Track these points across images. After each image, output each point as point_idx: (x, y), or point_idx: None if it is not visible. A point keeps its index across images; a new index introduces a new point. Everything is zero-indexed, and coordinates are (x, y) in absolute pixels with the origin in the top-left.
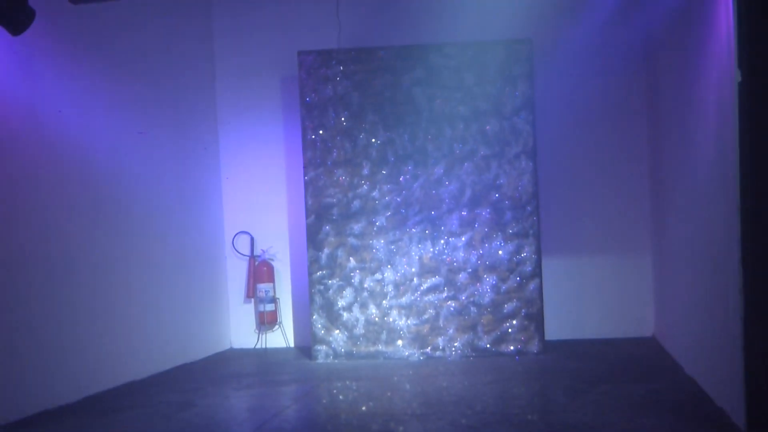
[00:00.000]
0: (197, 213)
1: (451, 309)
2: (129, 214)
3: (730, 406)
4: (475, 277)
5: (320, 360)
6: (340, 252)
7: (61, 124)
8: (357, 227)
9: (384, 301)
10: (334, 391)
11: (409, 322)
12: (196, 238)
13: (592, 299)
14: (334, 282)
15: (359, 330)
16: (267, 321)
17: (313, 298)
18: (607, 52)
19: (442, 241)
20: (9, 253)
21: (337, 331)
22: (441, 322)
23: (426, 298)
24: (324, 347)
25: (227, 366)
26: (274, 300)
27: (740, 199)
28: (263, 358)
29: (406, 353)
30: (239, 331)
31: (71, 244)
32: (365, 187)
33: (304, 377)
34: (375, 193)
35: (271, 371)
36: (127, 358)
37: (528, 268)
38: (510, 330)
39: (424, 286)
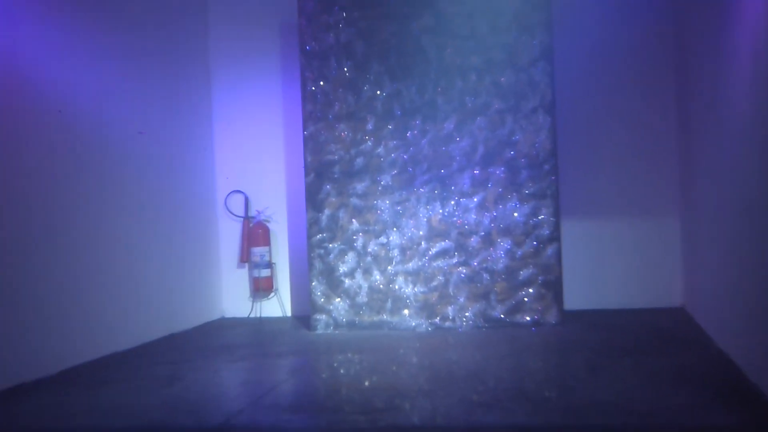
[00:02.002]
0: (187, 170)
1: (462, 276)
2: (113, 172)
3: (765, 381)
4: (488, 241)
5: (319, 330)
6: (341, 213)
7: (41, 74)
8: (360, 186)
9: (389, 267)
10: (335, 364)
11: (416, 289)
12: (186, 198)
13: (615, 266)
14: (335, 246)
15: (362, 298)
16: (262, 288)
17: (312, 264)
18: None
19: (453, 202)
20: None
21: (338, 299)
22: (451, 290)
23: (435, 264)
24: (324, 317)
25: (219, 336)
26: (269, 265)
27: None
28: (258, 327)
29: (413, 323)
30: (232, 298)
31: (49, 202)
32: (369, 143)
33: (301, 349)
34: (380, 150)
35: (267, 342)
36: (110, 328)
37: (545, 231)
38: (526, 299)
39: (433, 250)
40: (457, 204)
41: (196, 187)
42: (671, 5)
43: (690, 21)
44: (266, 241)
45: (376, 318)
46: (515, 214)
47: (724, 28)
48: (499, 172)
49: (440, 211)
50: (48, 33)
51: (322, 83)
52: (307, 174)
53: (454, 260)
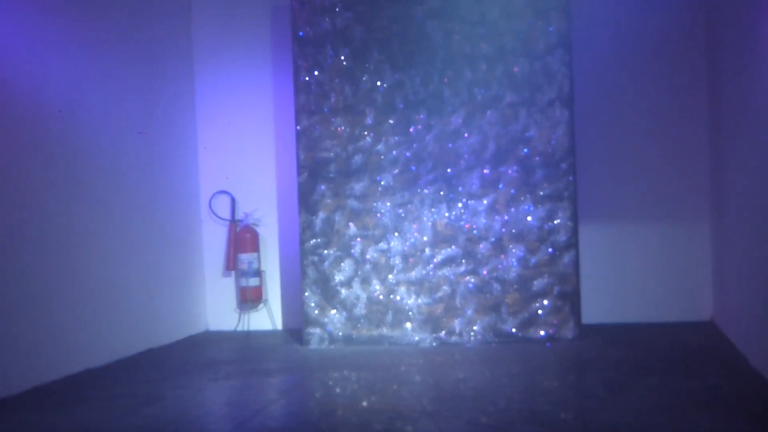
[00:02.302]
0: (168, 169)
1: (470, 286)
2: (88, 170)
3: None
4: (499, 247)
5: (313, 345)
6: (337, 216)
7: (8, 64)
8: (358, 187)
9: (390, 276)
10: (330, 382)
11: (419, 300)
12: (167, 199)
13: (638, 275)
14: (330, 252)
15: (360, 310)
16: (250, 298)
17: (305, 272)
18: None
19: (460, 205)
20: None
21: (334, 311)
22: (458, 302)
23: (440, 273)
24: (318, 330)
25: (202, 351)
26: (258, 273)
27: None
28: (245, 342)
29: (416, 338)
30: (217, 310)
31: (17, 205)
32: (368, 139)
33: (293, 366)
34: (380, 147)
35: (255, 358)
36: (85, 342)
37: (562, 237)
38: (540, 311)
39: (438, 258)
40: (465, 206)
41: (178, 188)
42: None
43: (721, 7)
44: (255, 246)
45: (375, 332)
46: (529, 218)
47: (759, 17)
48: (511, 171)
49: (446, 214)
50: (16, 21)
51: (316, 73)
52: (299, 173)
53: (462, 269)
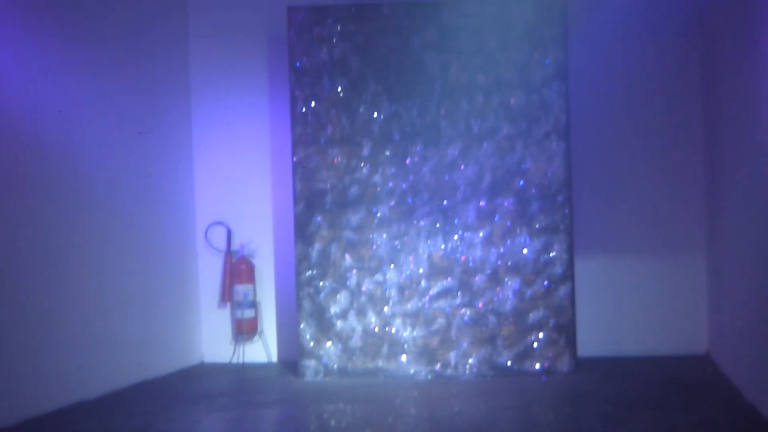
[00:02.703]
0: (164, 199)
1: (466, 318)
2: (82, 199)
3: None
4: (495, 280)
5: (308, 378)
6: (333, 248)
7: (5, 90)
8: (354, 218)
9: (385, 308)
10: (325, 415)
11: (415, 333)
12: (162, 229)
13: (633, 309)
14: (326, 284)
15: (355, 342)
16: (245, 330)
17: (301, 303)
18: (656, 14)
19: (456, 237)
20: None
21: (329, 343)
22: (453, 334)
23: (436, 305)
24: (313, 362)
25: (197, 384)
26: (254, 305)
27: None
28: (240, 374)
29: (412, 371)
30: (212, 341)
31: (8, 233)
32: (365, 170)
33: (288, 398)
34: (377, 178)
35: (250, 390)
36: (77, 374)
37: (558, 269)
38: (535, 344)
39: (434, 290)
40: (461, 238)
41: (174, 218)
42: (697, 23)
43: (719, 40)
44: (250, 278)
45: (370, 364)
46: (525, 251)
47: (757, 51)
48: (507, 203)
49: (442, 246)
50: (13, 44)
51: (313, 103)
52: (296, 204)
53: (458, 301)
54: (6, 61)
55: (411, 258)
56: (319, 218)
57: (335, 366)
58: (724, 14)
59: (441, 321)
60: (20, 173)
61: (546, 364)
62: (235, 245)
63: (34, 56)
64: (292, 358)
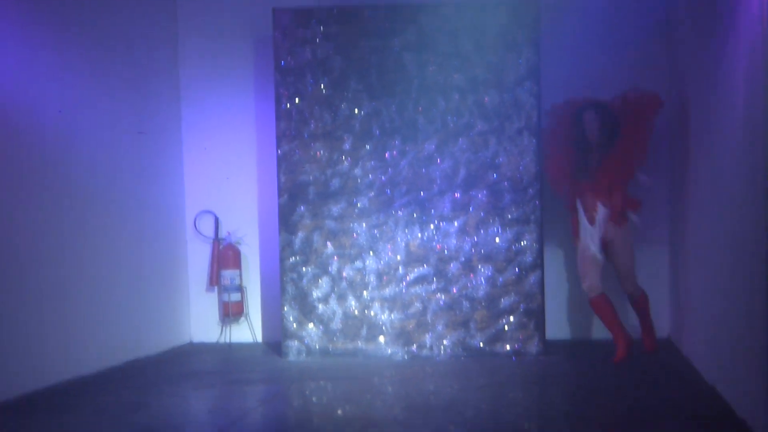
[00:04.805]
0: (155, 189)
1: (441, 303)
2: (78, 190)
3: (754, 418)
4: (469, 267)
5: (291, 357)
6: (316, 236)
7: (2, 89)
8: (336, 209)
9: (365, 293)
10: (307, 392)
11: (392, 316)
12: (153, 218)
13: None
14: (308, 270)
15: (336, 324)
16: (232, 312)
17: (284, 288)
18: (624, 18)
19: (432, 226)
20: None
21: (311, 326)
22: (429, 318)
23: (412, 290)
24: (296, 343)
25: (186, 362)
26: (240, 289)
27: None
28: (227, 354)
29: (389, 351)
30: (200, 323)
31: (6, 219)
32: (346, 163)
33: (272, 377)
34: (357, 171)
35: (236, 369)
36: (73, 351)
37: (528, 258)
38: (507, 327)
39: (411, 276)
40: (437, 228)
41: (165, 207)
42: (665, 26)
43: (683, 43)
44: (237, 263)
45: (350, 345)
46: (497, 240)
47: (718, 54)
48: (481, 195)
49: (419, 235)
50: (8, 45)
51: (297, 100)
52: (280, 195)
53: (433, 287)
54: (4, 61)
55: (389, 246)
56: (302, 208)
57: (317, 347)
58: (689, 21)
59: (417, 305)
60: (17, 165)
61: (516, 346)
62: (223, 233)
63: (32, 56)
64: (276, 339)
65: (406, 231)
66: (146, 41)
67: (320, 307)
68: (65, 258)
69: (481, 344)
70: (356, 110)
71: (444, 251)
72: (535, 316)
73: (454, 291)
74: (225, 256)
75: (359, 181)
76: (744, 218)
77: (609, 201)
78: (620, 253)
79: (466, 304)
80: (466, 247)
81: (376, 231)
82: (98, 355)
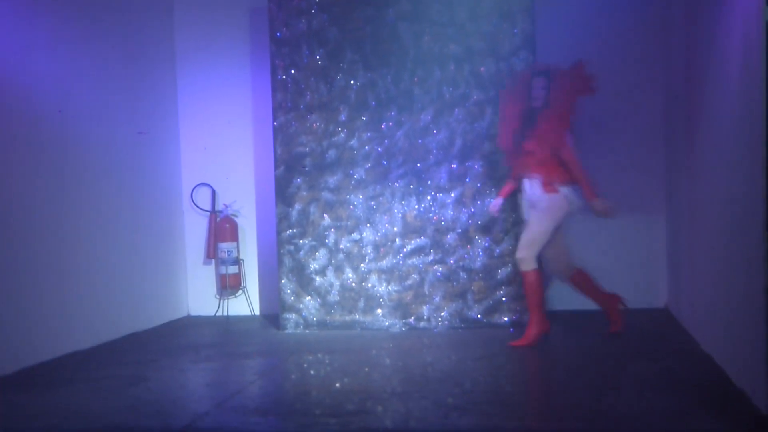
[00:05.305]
0: (151, 162)
1: (438, 274)
2: (74, 164)
3: (751, 386)
4: (466, 238)
5: (289, 330)
6: (312, 208)
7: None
8: (332, 180)
9: (362, 265)
10: (305, 365)
11: (390, 288)
12: (150, 190)
13: (597, 265)
14: (305, 242)
15: (333, 297)
16: (229, 285)
17: (281, 260)
18: None
19: (429, 197)
20: None
21: (309, 298)
22: (426, 289)
23: (409, 262)
24: (293, 316)
25: (184, 335)
26: (237, 261)
27: (766, 156)
28: (225, 326)
29: (387, 323)
30: (198, 296)
31: (5, 196)
32: (342, 134)
33: (270, 349)
34: (353, 142)
35: (234, 342)
36: (71, 326)
37: None
38: (504, 299)
39: (408, 247)
40: (434, 199)
41: (161, 180)
42: None
43: (679, 10)
44: (234, 236)
45: (347, 317)
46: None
47: (715, 18)
48: (477, 166)
49: (416, 206)
50: (9, 19)
51: (293, 72)
52: (276, 167)
53: (430, 258)
54: (3, 38)
55: (386, 218)
56: (298, 180)
57: (314, 319)
58: None
59: (415, 277)
60: (12, 138)
61: (514, 317)
62: (220, 205)
63: (29, 29)
64: (273, 312)
65: (403, 202)
66: (141, 12)
67: (317, 279)
68: (62, 232)
69: (479, 315)
70: (352, 81)
71: (441, 222)
72: None
73: (451, 262)
74: (222, 228)
75: (355, 152)
76: (737, 189)
77: (538, 169)
78: (531, 221)
79: (463, 275)
80: (463, 218)
81: (372, 202)
82: (96, 329)
